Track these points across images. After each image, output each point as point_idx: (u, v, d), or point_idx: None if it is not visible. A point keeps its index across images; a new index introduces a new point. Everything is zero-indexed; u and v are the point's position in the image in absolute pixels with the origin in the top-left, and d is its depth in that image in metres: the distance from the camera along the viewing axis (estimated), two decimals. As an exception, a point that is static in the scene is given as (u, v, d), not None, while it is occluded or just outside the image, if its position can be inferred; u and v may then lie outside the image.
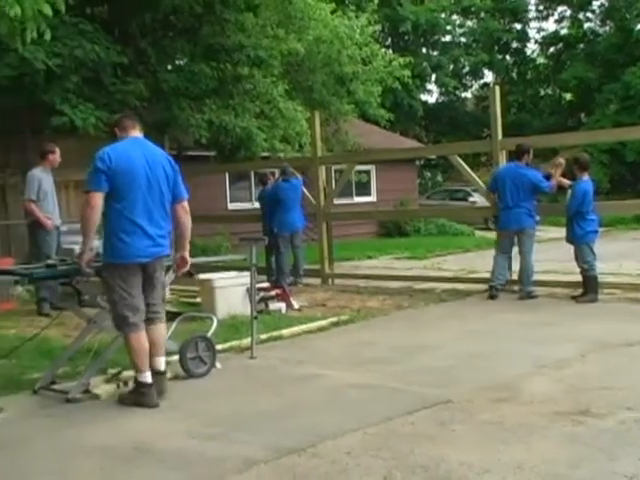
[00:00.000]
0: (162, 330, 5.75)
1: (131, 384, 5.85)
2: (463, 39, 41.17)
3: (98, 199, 5.41)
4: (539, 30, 42.04)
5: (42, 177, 9.68)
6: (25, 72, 10.89)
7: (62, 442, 4.75)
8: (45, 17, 7.02)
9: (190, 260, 5.98)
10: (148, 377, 5.52)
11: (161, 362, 5.64)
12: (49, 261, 6.08)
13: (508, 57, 42.03)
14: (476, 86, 43.46)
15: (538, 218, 10.17)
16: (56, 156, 9.83)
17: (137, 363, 5.55)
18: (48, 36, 7.21)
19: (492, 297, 9.82)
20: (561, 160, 10.09)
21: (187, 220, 5.81)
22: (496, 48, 40.80)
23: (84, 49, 11.32)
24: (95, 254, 6.06)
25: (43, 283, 9.05)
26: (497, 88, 10.97)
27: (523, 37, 41.57)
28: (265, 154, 15.45)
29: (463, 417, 4.89)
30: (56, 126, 11.69)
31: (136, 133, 5.74)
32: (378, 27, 22.32)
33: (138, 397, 5.49)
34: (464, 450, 4.24)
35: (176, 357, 6.21)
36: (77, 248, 6.13)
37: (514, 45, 41.50)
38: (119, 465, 4.26)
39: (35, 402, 5.74)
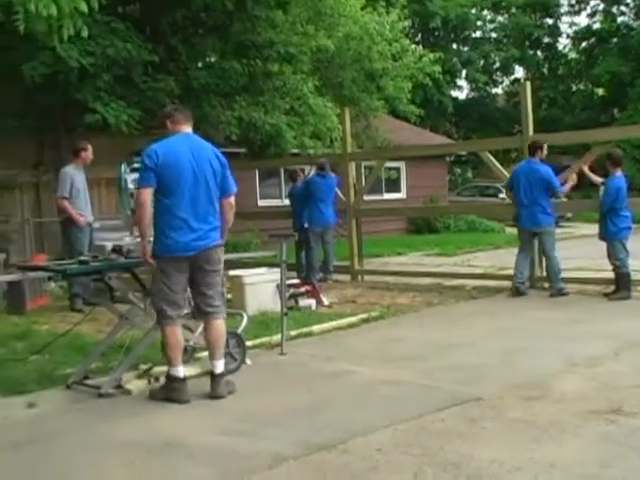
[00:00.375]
0: (220, 328, 5.70)
1: (162, 380, 5.91)
2: (494, 34, 40.96)
3: (146, 195, 5.49)
4: (571, 25, 41.99)
5: (75, 174, 9.76)
6: (59, 70, 10.99)
7: (94, 437, 4.79)
8: (81, 14, 7.08)
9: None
10: (180, 371, 5.55)
11: (217, 365, 5.62)
12: (82, 257, 6.12)
13: (539, 52, 41.75)
14: (507, 82, 43.26)
15: (569, 215, 10.12)
16: (88, 153, 9.91)
17: (170, 356, 5.59)
18: (85, 33, 7.28)
19: (515, 294, 9.76)
20: (574, 176, 10.03)
21: (230, 215, 5.81)
22: (527, 43, 40.55)
23: (116, 47, 11.39)
24: (126, 251, 6.13)
25: (76, 279, 9.17)
26: (528, 84, 10.89)
27: (555, 32, 41.28)
28: (295, 151, 15.46)
29: (494, 414, 4.87)
30: (89, 124, 11.78)
31: (187, 128, 5.75)
32: (408, 23, 22.19)
33: (169, 392, 5.53)
34: (495, 448, 4.23)
35: (206, 353, 6.24)
36: (109, 245, 6.20)
37: (545, 40, 41.21)
38: (150, 460, 4.30)
39: (68, 397, 5.79)
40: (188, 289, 5.76)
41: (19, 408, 5.47)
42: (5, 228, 14.52)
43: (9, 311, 9.61)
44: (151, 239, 5.61)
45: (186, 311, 6.26)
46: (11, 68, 11.23)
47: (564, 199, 10.51)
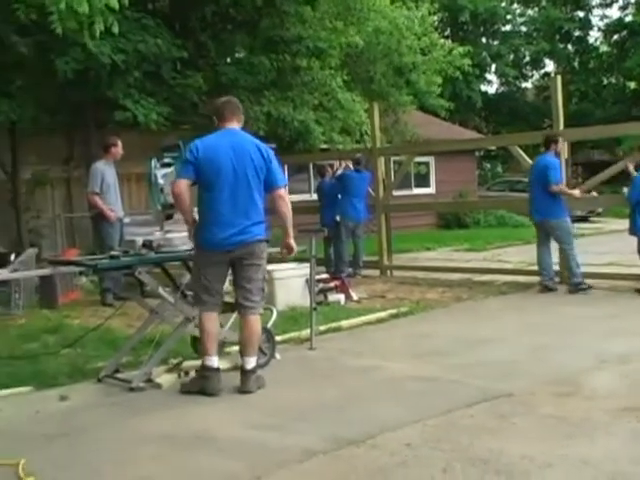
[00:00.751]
0: (255, 325, 5.69)
1: (192, 374, 5.95)
2: (524, 28, 40.61)
3: (181, 186, 5.56)
4: (602, 17, 41.30)
5: (105, 170, 9.84)
6: (90, 67, 11.08)
7: (125, 430, 4.83)
8: (112, 10, 7.13)
9: (295, 246, 5.93)
10: (213, 361, 5.59)
11: (248, 361, 5.62)
12: (113, 252, 6.17)
13: (570, 46, 41.31)
14: (537, 76, 42.86)
15: (600, 210, 9.99)
16: (119, 149, 9.99)
17: (205, 345, 5.64)
18: (116, 29, 7.34)
19: (545, 291, 9.68)
20: (581, 188, 9.93)
21: (284, 207, 5.72)
22: (557, 37, 40.13)
23: (147, 43, 11.45)
24: (156, 246, 6.17)
25: (107, 274, 9.23)
26: (559, 78, 10.79)
27: (586, 25, 40.80)
28: (324, 146, 15.45)
29: (524, 410, 4.85)
30: (119, 120, 11.87)
31: (233, 123, 5.75)
32: (437, 17, 22.10)
33: (202, 382, 5.57)
34: (525, 444, 4.20)
35: (236, 348, 6.27)
36: (140, 240, 6.24)
37: (576, 33, 40.75)
38: (180, 453, 4.33)
39: (99, 390, 5.85)
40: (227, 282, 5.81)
41: (52, 401, 5.54)
42: (37, 223, 14.67)
43: (41, 305, 9.72)
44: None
45: None
46: (45, 64, 11.35)
47: (592, 194, 10.37)
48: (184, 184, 5.57)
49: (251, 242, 5.61)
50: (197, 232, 5.71)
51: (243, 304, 5.68)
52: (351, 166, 12.87)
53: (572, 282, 9.59)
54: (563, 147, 10.21)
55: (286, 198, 5.79)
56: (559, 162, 9.82)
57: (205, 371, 5.59)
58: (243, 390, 5.56)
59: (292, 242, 5.90)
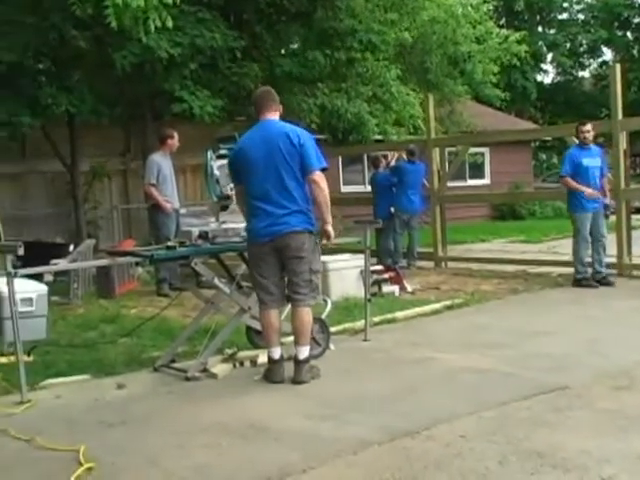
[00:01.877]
0: (304, 316, 5.67)
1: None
2: (581, 16, 39.89)
3: (237, 192, 5.97)
4: (664, 3, 40.28)
5: (161, 161, 9.94)
6: (147, 60, 11.20)
7: (181, 418, 4.90)
8: (165, 6, 7.20)
9: (332, 232, 5.80)
10: (274, 353, 5.67)
11: (301, 351, 5.65)
12: (169, 243, 6.24)
13: (629, 33, 40.42)
14: (594, 65, 42.08)
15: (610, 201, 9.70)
16: (175, 141, 10.08)
17: (265, 339, 5.81)
18: (170, 24, 7.40)
19: (600, 285, 9.49)
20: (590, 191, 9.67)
21: (317, 191, 5.58)
22: (616, 24, 39.31)
23: (204, 38, 11.54)
24: (212, 237, 6.23)
25: (163, 264, 9.37)
26: (618, 66, 10.58)
27: (645, 11, 39.93)
28: (378, 137, 15.42)
29: (581, 404, 4.79)
30: (176, 113, 11.98)
31: (269, 114, 5.75)
32: (491, 6, 21.81)
33: (266, 372, 5.72)
34: (582, 438, 4.15)
35: (291, 338, 6.29)
36: (195, 230, 6.30)
37: (636, 20, 39.83)
38: (236, 442, 4.36)
39: (155, 379, 5.93)
40: None
41: (109, 389, 5.63)
42: (94, 215, 14.92)
43: (99, 295, 9.89)
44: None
45: None
46: (103, 57, 11.53)
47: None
48: (238, 190, 5.94)
49: (286, 233, 5.56)
50: (246, 226, 5.89)
51: (291, 297, 5.72)
52: (405, 157, 12.80)
53: (574, 276, 9.57)
54: (621, 137, 10.02)
55: (321, 183, 5.59)
56: (577, 153, 9.62)
57: (268, 362, 5.71)
58: (296, 380, 5.59)
59: (329, 228, 5.76)
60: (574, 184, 9.55)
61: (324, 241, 5.89)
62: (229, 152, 5.96)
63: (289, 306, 6.06)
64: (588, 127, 9.57)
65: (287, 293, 5.75)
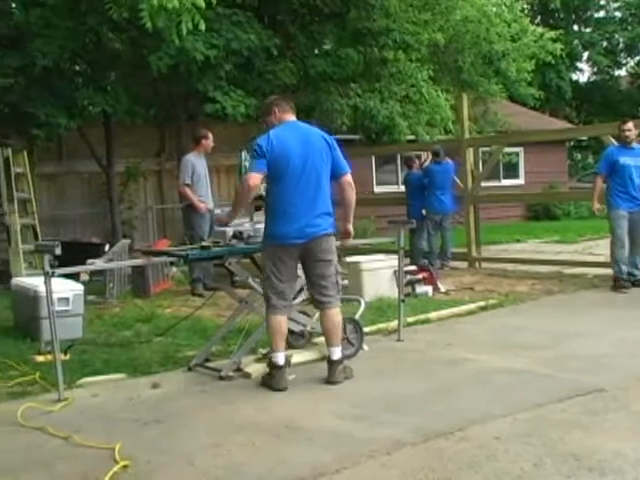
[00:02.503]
0: (335, 317, 5.67)
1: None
2: (618, 13, 39.37)
3: (254, 180, 5.52)
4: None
5: (196, 162, 9.99)
6: (182, 61, 11.28)
7: (215, 417, 4.92)
8: (199, 9, 7.25)
9: (352, 232, 5.92)
10: (279, 358, 5.58)
11: (334, 352, 5.64)
12: (203, 243, 6.27)
13: (668, 30, 39.86)
14: (631, 63, 41.51)
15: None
16: (209, 141, 10.12)
17: (271, 342, 5.68)
18: (202, 26, 7.44)
19: (628, 287, 9.32)
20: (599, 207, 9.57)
21: (350, 193, 5.70)
22: (655, 21, 38.78)
23: (239, 40, 11.59)
24: (246, 236, 6.26)
25: (197, 264, 9.43)
26: (656, 64, 10.44)
27: (685, 7, 39.33)
28: (411, 137, 15.38)
29: (617, 406, 4.74)
30: (209, 113, 12.05)
31: (292, 117, 5.76)
32: (527, 5, 21.62)
33: (268, 379, 5.60)
34: (618, 440, 4.11)
35: (323, 338, 6.30)
36: (230, 230, 6.34)
37: (674, 17, 39.32)
38: (270, 441, 4.38)
39: (190, 378, 5.96)
40: (303, 276, 5.82)
41: (144, 388, 5.68)
42: (130, 215, 15.07)
43: (134, 295, 9.97)
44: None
45: (303, 297, 6.35)
46: (138, 59, 11.64)
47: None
48: (256, 178, 5.53)
49: (319, 236, 5.56)
50: (267, 227, 5.70)
51: (320, 300, 5.67)
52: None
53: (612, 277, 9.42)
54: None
55: (353, 185, 5.74)
56: (614, 151, 9.50)
57: (270, 368, 5.62)
58: (330, 380, 5.59)
59: (351, 228, 5.89)
60: (596, 187, 9.51)
61: (346, 241, 5.98)
62: (260, 140, 5.57)
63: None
64: (629, 125, 9.40)
65: (315, 297, 5.71)
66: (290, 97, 5.98)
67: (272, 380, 5.55)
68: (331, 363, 5.65)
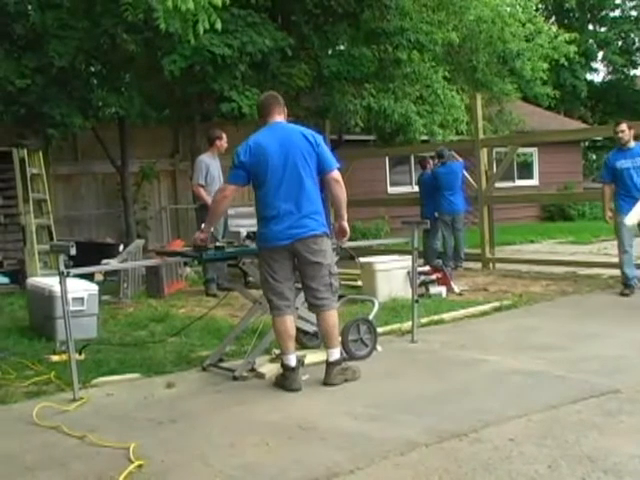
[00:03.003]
0: (330, 319, 5.62)
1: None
2: (634, 12, 39.18)
3: (227, 192, 5.71)
4: None
5: (210, 162, 10.00)
6: (197, 62, 11.30)
7: (229, 417, 4.93)
8: (215, 8, 7.25)
9: (347, 229, 5.80)
10: (290, 360, 5.56)
11: (332, 353, 5.61)
12: (217, 243, 6.29)
13: (684, 30, 39.62)
14: (647, 63, 41.28)
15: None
16: (223, 142, 10.13)
17: (280, 345, 5.67)
18: (219, 26, 7.43)
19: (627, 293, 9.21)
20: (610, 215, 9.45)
21: (338, 190, 5.61)
22: (671, 20, 38.56)
23: (254, 44, 11.59)
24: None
25: (211, 265, 9.45)
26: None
27: (702, 6, 39.07)
28: (425, 137, 15.36)
29: (632, 408, 4.71)
30: (224, 112, 12.05)
31: (277, 117, 5.70)
32: (542, 4, 21.52)
33: (281, 380, 5.60)
34: (634, 442, 4.09)
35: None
36: (244, 231, 6.35)
37: (690, 16, 39.07)
38: (284, 441, 4.38)
39: (204, 378, 5.98)
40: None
41: (159, 388, 5.70)
42: (144, 215, 15.12)
43: (148, 295, 10.01)
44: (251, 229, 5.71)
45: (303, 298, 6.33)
46: (152, 60, 11.68)
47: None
48: (232, 190, 5.69)
49: (306, 237, 5.50)
50: (257, 231, 5.73)
51: (313, 303, 5.64)
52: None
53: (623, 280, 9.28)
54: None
55: (341, 181, 5.65)
56: (611, 157, 9.41)
57: (284, 370, 5.60)
58: (327, 382, 5.56)
59: (345, 225, 5.76)
60: (604, 196, 9.49)
61: (342, 239, 5.87)
62: (239, 150, 5.61)
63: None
64: (622, 127, 9.25)
65: (308, 300, 5.68)
66: (274, 97, 5.89)
67: (285, 381, 5.55)
68: (328, 365, 5.62)
